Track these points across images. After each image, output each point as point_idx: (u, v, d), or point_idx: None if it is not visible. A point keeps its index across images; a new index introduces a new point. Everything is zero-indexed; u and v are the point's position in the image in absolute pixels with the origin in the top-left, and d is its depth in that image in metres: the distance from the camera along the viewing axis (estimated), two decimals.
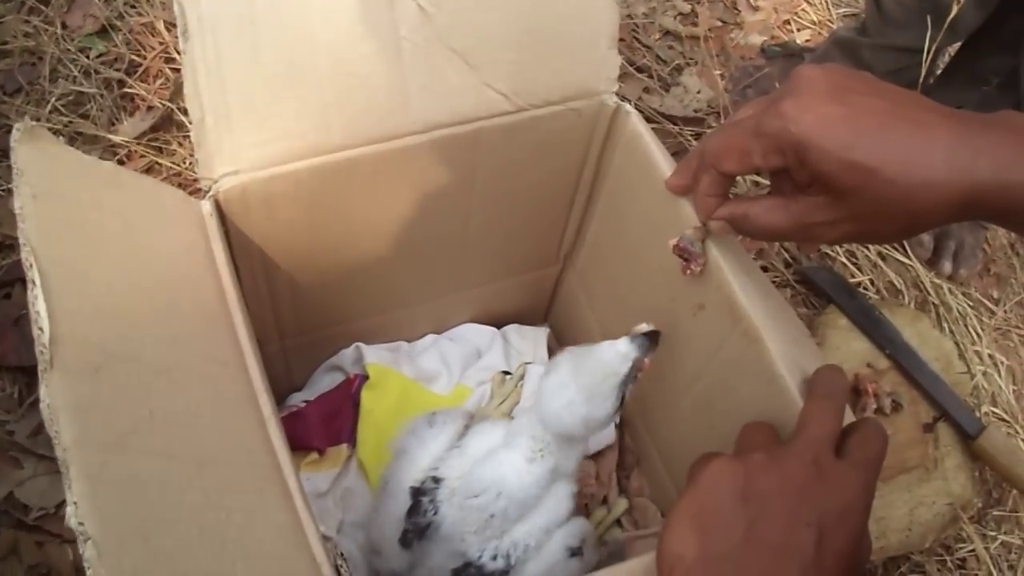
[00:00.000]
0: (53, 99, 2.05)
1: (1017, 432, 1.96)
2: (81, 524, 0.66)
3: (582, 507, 1.51)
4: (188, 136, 2.03)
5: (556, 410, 1.12)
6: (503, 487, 1.16)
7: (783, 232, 0.95)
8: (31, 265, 0.77)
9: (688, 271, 1.11)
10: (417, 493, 1.19)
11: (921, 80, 2.15)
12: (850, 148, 0.84)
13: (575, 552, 1.21)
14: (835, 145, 0.85)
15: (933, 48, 2.12)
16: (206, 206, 1.08)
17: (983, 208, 0.83)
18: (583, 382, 1.10)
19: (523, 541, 1.18)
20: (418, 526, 1.18)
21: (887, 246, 2.18)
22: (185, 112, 2.03)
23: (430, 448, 1.23)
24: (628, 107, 1.27)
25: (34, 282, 0.76)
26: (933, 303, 2.13)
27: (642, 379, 1.11)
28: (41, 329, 0.74)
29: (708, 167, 1.00)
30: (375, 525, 1.26)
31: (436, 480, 1.19)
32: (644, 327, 1.11)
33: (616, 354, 1.10)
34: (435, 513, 1.17)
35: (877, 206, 0.85)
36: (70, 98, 2.08)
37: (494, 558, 1.16)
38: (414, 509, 1.19)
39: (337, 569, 0.87)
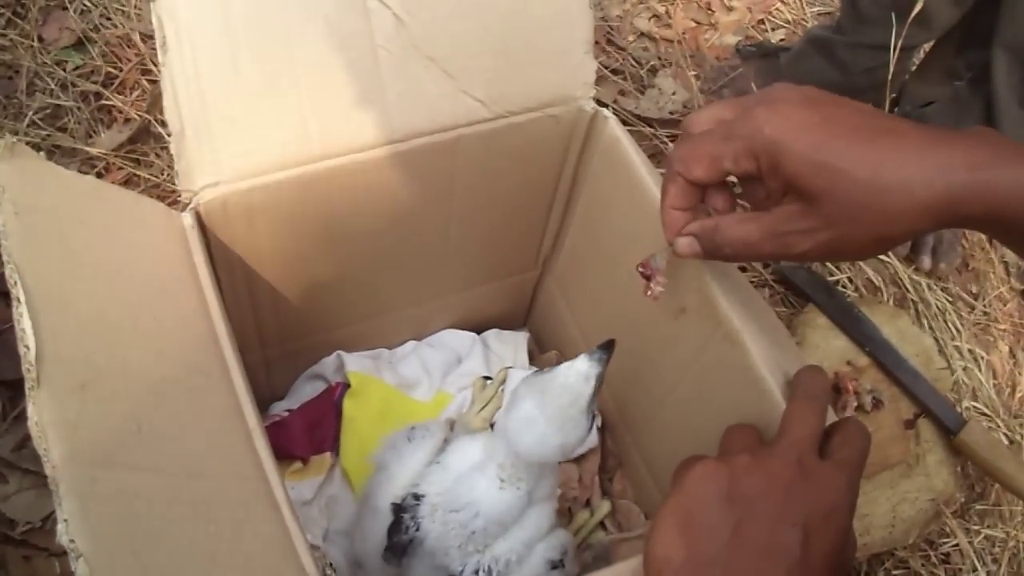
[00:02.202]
0: (31, 112, 2.05)
1: (998, 427, 1.96)
2: (72, 541, 0.66)
3: (565, 510, 1.51)
4: (166, 147, 2.03)
5: (529, 445, 1.11)
6: (479, 507, 1.15)
7: (756, 244, 0.92)
8: (15, 282, 0.77)
9: (648, 291, 1.07)
10: (398, 510, 1.19)
11: (890, 77, 2.16)
12: (822, 150, 0.84)
13: (556, 565, 1.20)
14: (807, 147, 0.84)
15: (908, 45, 2.13)
16: (187, 218, 1.08)
17: (960, 211, 0.81)
18: (551, 413, 1.08)
19: (504, 556, 1.17)
20: (400, 543, 1.18)
21: None
22: (163, 123, 2.03)
23: (409, 463, 1.22)
24: (606, 112, 1.27)
25: (19, 299, 0.76)
26: (912, 300, 2.13)
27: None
28: (27, 347, 0.74)
29: (675, 176, 0.97)
30: (358, 540, 1.26)
31: (417, 497, 1.18)
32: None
33: (578, 376, 1.07)
34: (417, 529, 1.17)
35: (850, 210, 0.84)
36: (47, 111, 2.08)
37: (476, 572, 1.16)
38: (395, 526, 1.18)
39: None
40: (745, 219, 0.93)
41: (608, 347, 1.08)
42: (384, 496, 1.21)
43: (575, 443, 1.11)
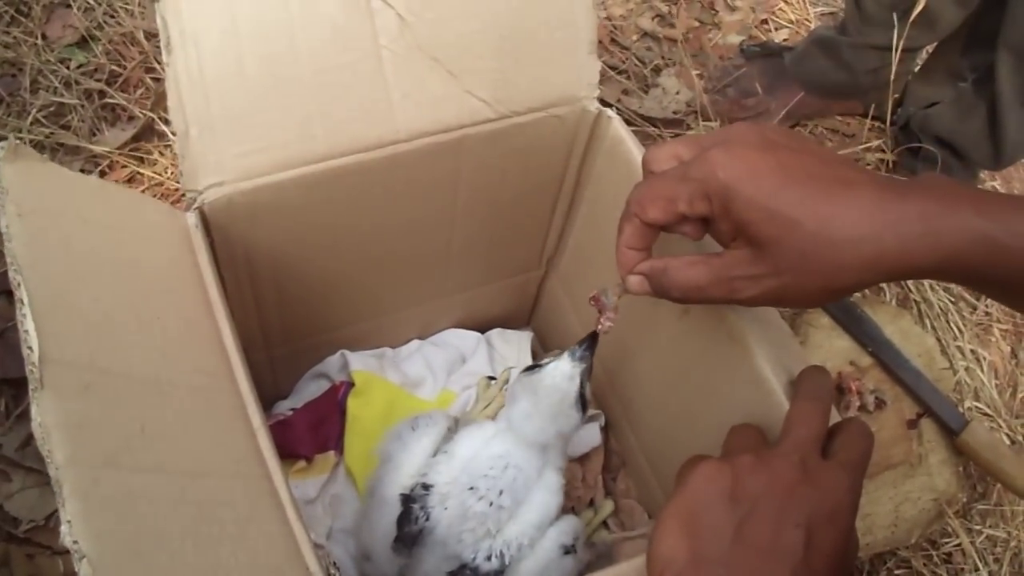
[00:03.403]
0: (34, 110, 2.05)
1: (1000, 426, 1.97)
2: (76, 543, 0.66)
3: (568, 509, 1.51)
4: (169, 145, 2.03)
5: (529, 435, 1.18)
6: (509, 460, 1.19)
7: (703, 287, 0.93)
8: (19, 284, 0.77)
9: (599, 325, 1.09)
10: (407, 500, 1.20)
11: (892, 78, 2.16)
12: (774, 197, 0.83)
13: (568, 550, 1.22)
14: (760, 193, 0.84)
15: (911, 46, 2.14)
16: (191, 218, 1.08)
17: (912, 264, 0.82)
18: (543, 409, 1.14)
19: (516, 540, 1.19)
20: (410, 533, 1.19)
21: None
22: (166, 121, 2.04)
23: (414, 452, 1.24)
24: (610, 112, 1.27)
25: (22, 301, 0.76)
26: (914, 299, 2.13)
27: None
28: (30, 348, 0.74)
29: (631, 216, 0.97)
30: (365, 531, 1.27)
31: (426, 487, 1.20)
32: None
33: (563, 376, 1.12)
34: (427, 519, 1.18)
35: (798, 261, 0.84)
36: (51, 109, 2.08)
37: (488, 558, 1.18)
38: (405, 516, 1.19)
39: None
40: (694, 263, 0.93)
41: (589, 341, 1.12)
42: (391, 487, 1.23)
43: (571, 430, 1.18)
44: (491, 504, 1.17)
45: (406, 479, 1.22)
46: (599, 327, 1.09)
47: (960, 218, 0.80)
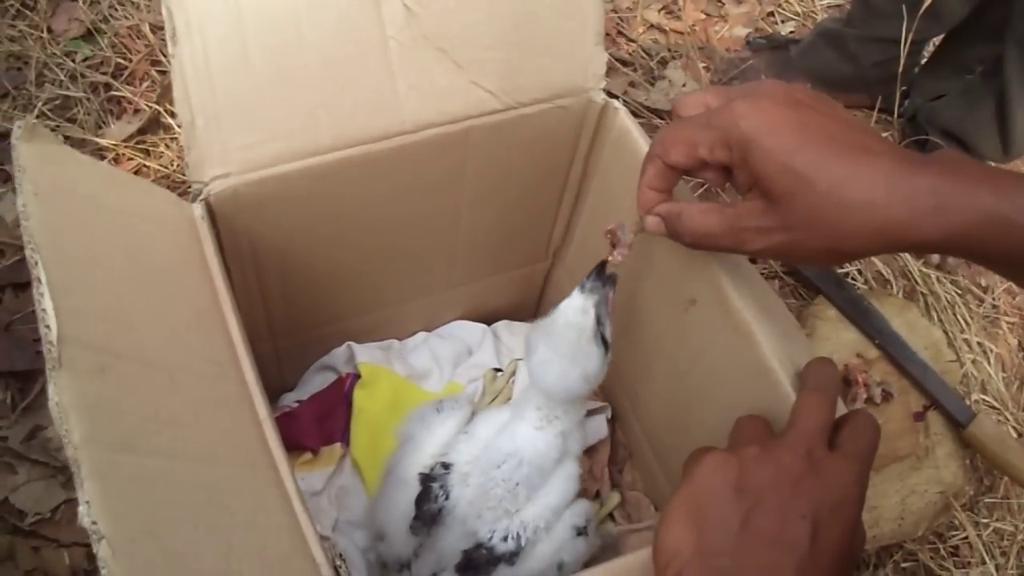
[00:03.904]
0: (40, 103, 2.05)
1: (1007, 419, 1.96)
2: (95, 523, 0.66)
3: None
4: (175, 138, 2.03)
5: (553, 383, 1.14)
6: (522, 456, 1.18)
7: (714, 235, 0.95)
8: (36, 262, 0.77)
9: (610, 255, 1.09)
10: (427, 479, 1.21)
11: (900, 70, 2.16)
12: (792, 153, 0.85)
13: (581, 531, 1.23)
14: (778, 147, 0.85)
15: (918, 39, 2.13)
16: (197, 209, 1.08)
17: (917, 237, 0.82)
18: (563, 351, 1.11)
19: (533, 522, 1.19)
20: (429, 512, 1.19)
21: None
22: (172, 114, 2.04)
23: (437, 434, 1.25)
24: (616, 104, 1.27)
25: (39, 279, 0.76)
26: (922, 292, 2.13)
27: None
28: (48, 327, 0.74)
29: (654, 157, 0.99)
30: (380, 511, 1.27)
31: (446, 466, 1.21)
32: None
33: (576, 311, 1.10)
34: (446, 498, 1.19)
35: (808, 219, 0.85)
36: (57, 102, 2.08)
37: (504, 539, 1.18)
38: (424, 495, 1.20)
39: (336, 569, 0.87)
40: (708, 210, 0.95)
41: (597, 271, 1.10)
42: (410, 467, 1.23)
43: (595, 371, 1.14)
44: (509, 491, 1.17)
45: (426, 458, 1.23)
46: (610, 258, 1.09)
47: (973, 196, 0.81)
